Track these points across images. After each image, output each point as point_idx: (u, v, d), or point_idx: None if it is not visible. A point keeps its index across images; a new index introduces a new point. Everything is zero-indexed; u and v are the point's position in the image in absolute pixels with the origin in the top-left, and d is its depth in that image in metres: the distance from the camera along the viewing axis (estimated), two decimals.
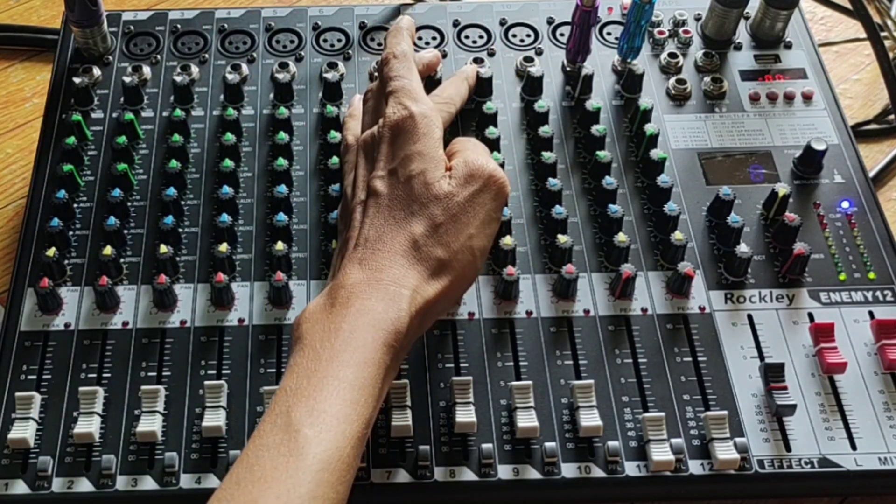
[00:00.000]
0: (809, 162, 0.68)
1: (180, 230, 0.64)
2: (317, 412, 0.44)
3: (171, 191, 0.64)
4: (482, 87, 0.71)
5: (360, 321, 0.48)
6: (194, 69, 0.73)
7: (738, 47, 0.76)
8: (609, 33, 0.77)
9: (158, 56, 0.75)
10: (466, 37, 0.77)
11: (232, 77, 0.71)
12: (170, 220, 0.63)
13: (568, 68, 0.74)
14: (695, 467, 0.55)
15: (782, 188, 0.64)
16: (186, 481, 0.54)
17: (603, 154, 0.66)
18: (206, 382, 0.56)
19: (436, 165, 0.53)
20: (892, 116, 0.81)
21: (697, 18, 0.78)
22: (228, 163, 0.66)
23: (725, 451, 0.54)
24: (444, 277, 0.52)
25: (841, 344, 0.59)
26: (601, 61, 0.75)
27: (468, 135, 0.70)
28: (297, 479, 0.42)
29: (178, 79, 0.71)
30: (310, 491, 0.42)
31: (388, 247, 0.51)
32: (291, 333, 0.50)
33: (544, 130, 0.67)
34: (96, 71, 0.73)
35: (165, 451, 0.55)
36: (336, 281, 0.50)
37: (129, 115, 0.69)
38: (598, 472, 0.55)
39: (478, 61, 0.74)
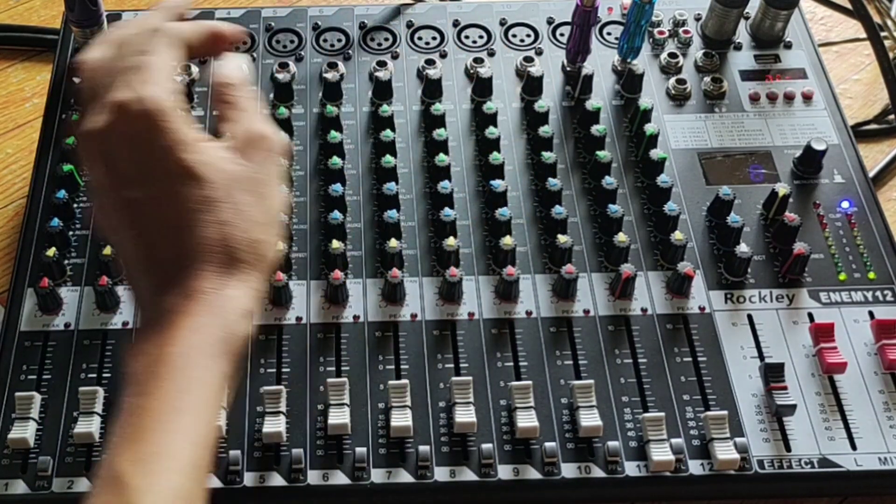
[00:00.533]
0: (809, 162, 0.68)
1: None
2: (142, 458, 0.39)
3: None
4: (482, 87, 0.71)
5: (191, 341, 0.42)
6: (194, 69, 0.73)
7: (738, 47, 0.76)
8: (609, 33, 0.77)
9: None
10: (466, 37, 0.77)
11: None
12: None
13: (568, 68, 0.74)
14: (695, 467, 0.55)
15: (782, 188, 0.64)
16: None
17: (603, 154, 0.66)
18: None
19: (197, 146, 0.44)
20: (892, 116, 0.81)
21: (697, 18, 0.78)
22: None
23: (725, 452, 0.54)
24: (266, 259, 0.45)
25: (841, 344, 0.59)
26: (601, 61, 0.75)
27: (468, 135, 0.70)
28: None
29: (177, 79, 0.71)
30: None
31: (194, 253, 0.43)
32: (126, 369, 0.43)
33: (544, 130, 0.67)
34: None
35: None
36: (152, 308, 0.44)
37: None
38: (598, 472, 0.55)
39: (478, 61, 0.74)
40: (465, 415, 0.55)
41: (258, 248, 0.44)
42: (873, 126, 0.81)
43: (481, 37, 0.77)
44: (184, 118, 0.44)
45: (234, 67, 0.50)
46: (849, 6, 0.79)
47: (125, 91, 0.44)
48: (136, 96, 0.43)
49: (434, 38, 0.77)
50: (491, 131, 0.67)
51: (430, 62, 0.73)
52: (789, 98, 0.72)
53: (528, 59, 0.74)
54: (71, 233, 0.64)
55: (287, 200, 0.49)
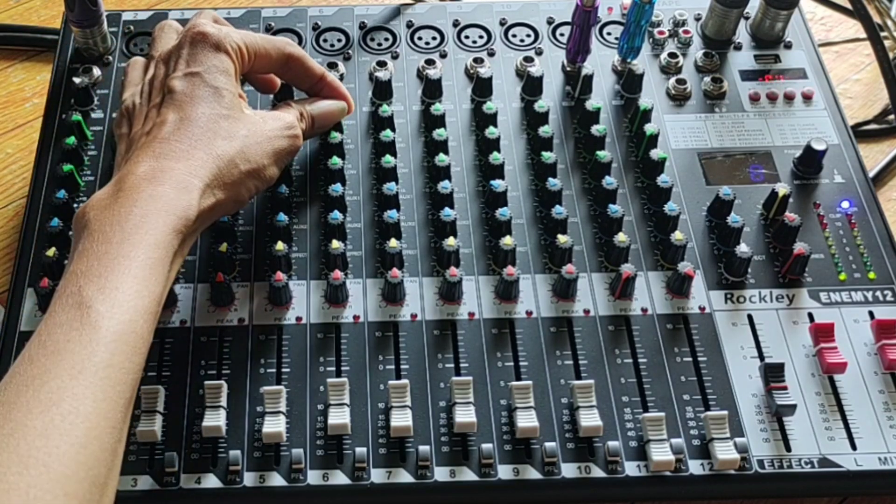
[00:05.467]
0: (809, 162, 0.68)
1: None
2: (108, 289, 0.46)
3: None
4: (482, 87, 0.71)
5: (150, 206, 0.50)
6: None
7: (738, 47, 0.76)
8: (609, 33, 0.77)
9: None
10: (466, 37, 0.77)
11: None
12: None
13: (568, 68, 0.74)
14: (695, 467, 0.55)
15: (782, 188, 0.64)
16: (186, 481, 0.54)
17: (603, 154, 0.66)
18: (206, 382, 0.56)
19: (235, 86, 0.58)
20: (892, 116, 0.81)
21: (697, 18, 0.78)
22: None
23: (725, 451, 0.54)
24: (236, 186, 0.55)
25: (841, 344, 0.59)
26: (601, 61, 0.75)
27: (469, 136, 0.70)
28: (91, 349, 0.44)
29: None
30: (104, 359, 0.44)
31: (186, 142, 0.53)
32: (74, 224, 0.51)
33: (544, 130, 0.67)
34: (96, 71, 0.73)
35: (165, 452, 0.55)
36: (124, 170, 0.52)
37: None
38: (598, 472, 0.55)
39: (478, 61, 0.74)
40: (465, 415, 0.55)
41: (231, 164, 0.55)
42: (873, 126, 0.81)
43: (481, 37, 0.77)
44: (236, 70, 0.58)
45: (332, 105, 0.66)
46: (849, 6, 0.79)
47: (210, 28, 0.58)
48: (218, 32, 0.58)
49: (434, 38, 0.77)
50: (491, 131, 0.67)
51: (430, 62, 0.73)
52: (789, 98, 0.72)
53: (528, 59, 0.74)
54: (71, 233, 0.64)
55: (270, 172, 0.59)
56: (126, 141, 0.58)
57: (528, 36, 0.77)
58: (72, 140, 0.67)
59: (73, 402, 0.42)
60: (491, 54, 0.75)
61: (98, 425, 0.43)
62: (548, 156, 0.66)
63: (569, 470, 0.55)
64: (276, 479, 0.54)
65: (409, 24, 0.77)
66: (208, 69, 0.57)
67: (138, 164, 0.52)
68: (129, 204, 0.49)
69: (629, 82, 0.72)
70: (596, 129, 0.68)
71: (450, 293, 0.61)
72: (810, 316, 0.61)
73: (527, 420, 0.55)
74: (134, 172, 0.51)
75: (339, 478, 0.55)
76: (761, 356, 0.59)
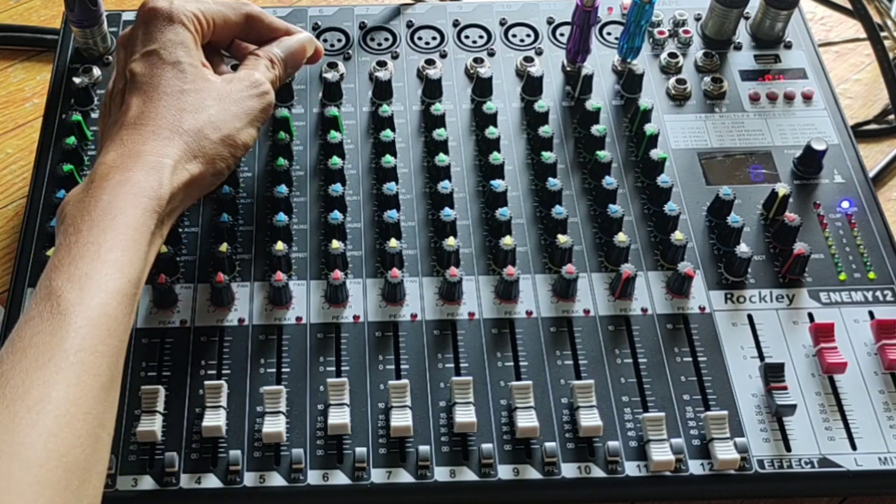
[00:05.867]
0: (809, 162, 0.68)
1: (180, 230, 0.64)
2: (76, 277, 0.46)
3: None
4: (482, 87, 0.71)
5: (119, 190, 0.50)
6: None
7: (738, 47, 0.76)
8: (609, 33, 0.77)
9: None
10: (466, 37, 0.77)
11: None
12: None
13: (568, 68, 0.74)
14: (695, 467, 0.55)
15: (782, 188, 0.64)
16: (186, 481, 0.54)
17: (603, 154, 0.66)
18: (206, 382, 0.56)
19: (196, 56, 0.57)
20: (892, 116, 0.81)
21: (697, 18, 0.78)
22: None
23: (725, 451, 0.54)
24: (210, 157, 0.55)
25: (841, 344, 0.59)
26: (601, 61, 0.75)
27: (469, 136, 0.70)
28: (61, 336, 0.44)
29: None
30: (75, 344, 0.44)
31: (152, 123, 0.53)
32: (56, 223, 0.51)
33: (544, 130, 0.67)
34: (96, 71, 0.73)
35: (165, 452, 0.55)
36: (97, 161, 0.52)
37: None
38: (598, 472, 0.55)
39: (478, 61, 0.74)
40: (465, 415, 0.55)
41: (201, 136, 0.54)
42: (873, 126, 0.81)
43: (481, 37, 0.77)
44: (194, 40, 0.57)
45: (296, 40, 0.64)
46: (849, 6, 0.79)
47: (161, 2, 0.57)
48: (168, 5, 0.57)
49: (434, 38, 0.77)
50: (491, 131, 0.67)
51: (430, 62, 0.73)
52: (789, 98, 0.72)
53: (528, 59, 0.74)
54: None
55: (245, 132, 0.58)
56: (100, 132, 0.58)
57: (528, 36, 0.77)
58: (72, 140, 0.67)
59: (41, 390, 0.42)
60: (491, 54, 0.75)
61: (68, 412, 0.42)
62: (548, 156, 0.66)
63: (569, 470, 0.55)
64: (276, 479, 0.54)
65: (409, 24, 0.77)
66: (164, 45, 0.56)
67: (107, 153, 0.52)
68: (99, 193, 0.50)
69: (629, 82, 0.72)
70: (596, 129, 0.68)
71: (450, 293, 0.61)
72: (810, 316, 0.61)
73: (527, 420, 0.55)
74: (104, 162, 0.52)
75: (339, 478, 0.55)
76: (761, 356, 0.59)
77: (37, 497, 0.40)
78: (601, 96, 0.72)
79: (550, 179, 0.65)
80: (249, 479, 0.55)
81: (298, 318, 0.61)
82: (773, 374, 0.57)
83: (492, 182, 0.64)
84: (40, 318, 0.45)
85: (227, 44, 0.64)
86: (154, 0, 0.58)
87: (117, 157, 0.52)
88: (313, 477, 0.55)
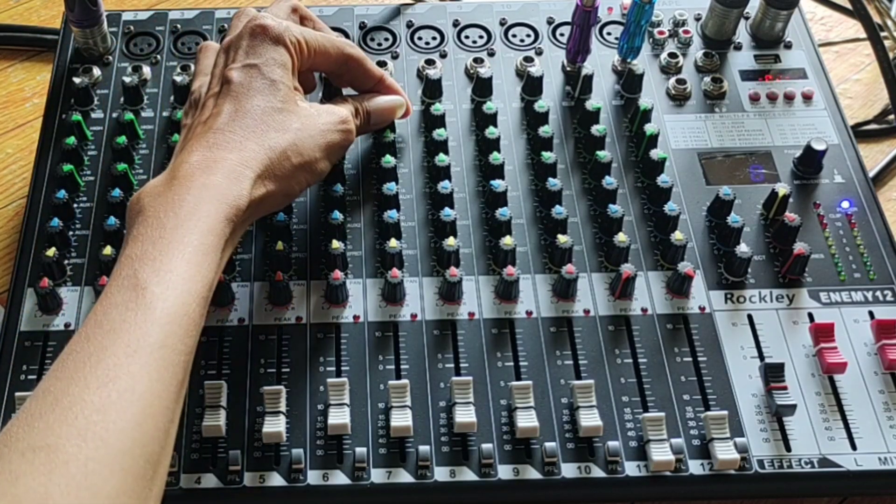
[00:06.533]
0: (809, 162, 0.68)
1: None
2: (163, 272, 0.47)
3: None
4: (482, 87, 0.71)
5: (203, 194, 0.51)
6: (194, 69, 0.73)
7: (738, 47, 0.76)
8: (609, 33, 0.77)
9: (158, 56, 0.75)
10: (466, 37, 0.77)
11: None
12: None
13: (568, 68, 0.74)
14: (695, 467, 0.55)
15: (782, 188, 0.64)
16: (186, 481, 0.54)
17: (603, 154, 0.66)
18: (207, 382, 0.56)
19: (291, 79, 0.58)
20: (892, 116, 0.81)
21: (697, 18, 0.78)
22: None
23: (725, 451, 0.54)
24: (286, 179, 0.55)
25: (841, 344, 0.59)
26: (601, 61, 0.75)
27: (469, 136, 0.70)
28: (146, 329, 0.45)
29: (177, 79, 0.71)
30: (158, 340, 0.45)
31: (240, 132, 0.54)
32: (128, 210, 0.52)
33: (544, 130, 0.67)
34: (96, 71, 0.73)
35: None
36: (179, 158, 0.53)
37: (129, 115, 0.69)
38: (598, 472, 0.55)
39: (478, 61, 0.74)
40: (465, 415, 0.55)
41: (283, 156, 0.55)
42: (873, 126, 0.81)
43: (481, 37, 0.77)
44: (294, 65, 0.58)
45: (389, 101, 0.65)
46: (849, 6, 0.79)
47: (271, 21, 0.58)
48: (278, 26, 0.58)
49: (434, 38, 0.77)
50: (491, 131, 0.67)
51: (430, 62, 0.73)
52: (789, 98, 0.72)
53: (528, 59, 0.74)
54: (71, 233, 0.64)
55: (321, 165, 0.59)
56: (185, 130, 0.58)
57: (528, 36, 0.77)
58: (72, 140, 0.67)
59: (128, 381, 0.43)
60: (491, 54, 0.75)
61: (152, 404, 0.44)
62: (548, 156, 0.66)
63: (569, 470, 0.55)
64: (276, 479, 0.54)
65: (409, 24, 0.77)
66: (266, 62, 0.57)
67: (192, 153, 0.53)
68: (183, 191, 0.50)
69: (629, 82, 0.72)
70: (596, 129, 0.68)
71: (450, 293, 0.61)
72: (810, 316, 0.61)
73: (527, 420, 0.55)
74: (187, 161, 0.52)
75: (339, 478, 0.55)
76: (761, 356, 0.59)
77: (121, 484, 0.41)
78: (601, 96, 0.72)
79: (550, 179, 0.65)
80: (249, 479, 0.55)
81: (298, 318, 0.61)
82: (773, 374, 0.57)
83: (492, 182, 0.64)
84: (125, 307, 0.45)
85: (321, 73, 0.67)
86: (265, 18, 0.58)
87: (202, 160, 0.52)
88: (313, 477, 0.55)
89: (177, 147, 0.58)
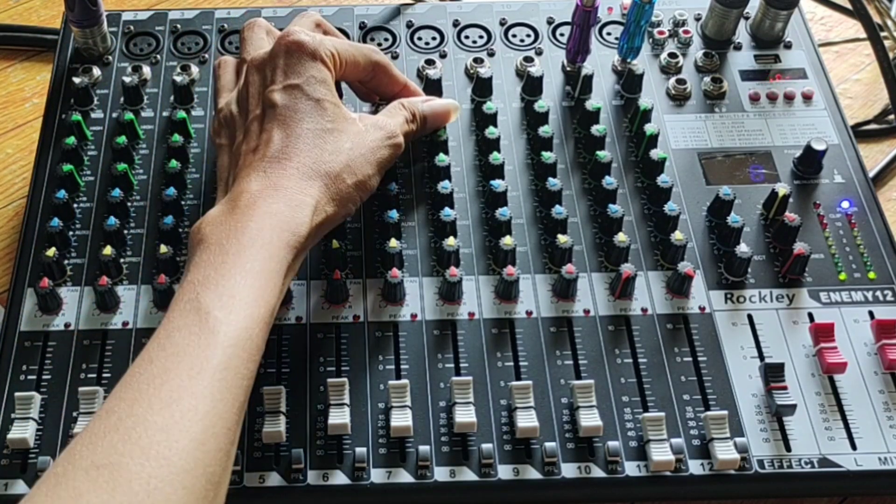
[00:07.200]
0: (809, 162, 0.68)
1: (180, 230, 0.64)
2: (226, 297, 0.47)
3: (171, 191, 0.64)
4: (482, 87, 0.71)
5: (265, 221, 0.51)
6: (194, 69, 0.73)
7: (738, 47, 0.76)
8: (609, 33, 0.77)
9: (158, 56, 0.75)
10: (466, 37, 0.77)
11: None
12: (170, 220, 0.63)
13: (568, 68, 0.74)
14: (695, 467, 0.55)
15: (782, 188, 0.64)
16: None
17: (603, 154, 0.66)
18: None
19: (335, 95, 0.58)
20: (892, 116, 0.81)
21: (697, 18, 0.78)
22: None
23: (725, 451, 0.54)
24: (343, 200, 0.56)
25: (841, 344, 0.59)
26: (601, 61, 0.75)
27: (469, 136, 0.70)
28: (209, 353, 0.45)
29: (177, 79, 0.71)
30: (221, 363, 0.45)
31: (295, 159, 0.54)
32: (189, 240, 0.52)
33: (544, 130, 0.67)
34: (96, 71, 0.73)
35: None
36: (237, 188, 0.53)
37: (129, 115, 0.69)
38: (598, 472, 0.55)
39: (478, 61, 0.74)
40: (465, 415, 0.55)
41: (339, 179, 0.55)
42: (873, 126, 0.81)
43: (481, 37, 0.77)
44: (332, 79, 0.58)
45: (445, 104, 0.66)
46: (849, 6, 0.79)
47: (305, 37, 0.58)
48: (312, 41, 0.58)
49: (434, 38, 0.77)
50: (491, 131, 0.67)
51: (430, 62, 0.73)
52: (789, 98, 0.72)
53: (528, 59, 0.74)
54: (71, 233, 0.64)
55: (372, 175, 0.58)
56: (228, 153, 0.58)
57: (528, 36, 0.77)
58: (72, 140, 0.67)
59: (191, 401, 0.43)
60: (491, 54, 0.75)
61: (214, 424, 0.44)
62: (548, 156, 0.66)
63: (569, 470, 0.55)
64: (276, 479, 0.54)
65: (409, 24, 0.77)
66: (307, 80, 0.57)
67: (250, 181, 0.53)
68: (245, 219, 0.51)
69: (629, 82, 0.72)
70: (596, 129, 0.68)
71: (450, 293, 0.61)
72: (810, 316, 0.61)
73: (527, 420, 0.55)
74: (248, 191, 0.53)
75: (339, 478, 0.55)
76: (761, 356, 0.59)
77: (182, 502, 0.41)
78: (601, 96, 0.72)
79: (550, 179, 0.65)
80: (249, 479, 0.55)
81: (298, 318, 0.61)
82: (773, 374, 0.57)
83: (492, 182, 0.64)
84: (189, 330, 0.46)
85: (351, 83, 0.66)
86: (297, 34, 0.58)
87: (262, 189, 0.53)
88: (313, 477, 0.55)
89: (219, 169, 0.58)
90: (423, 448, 0.55)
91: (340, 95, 0.66)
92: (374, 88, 0.66)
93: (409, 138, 0.63)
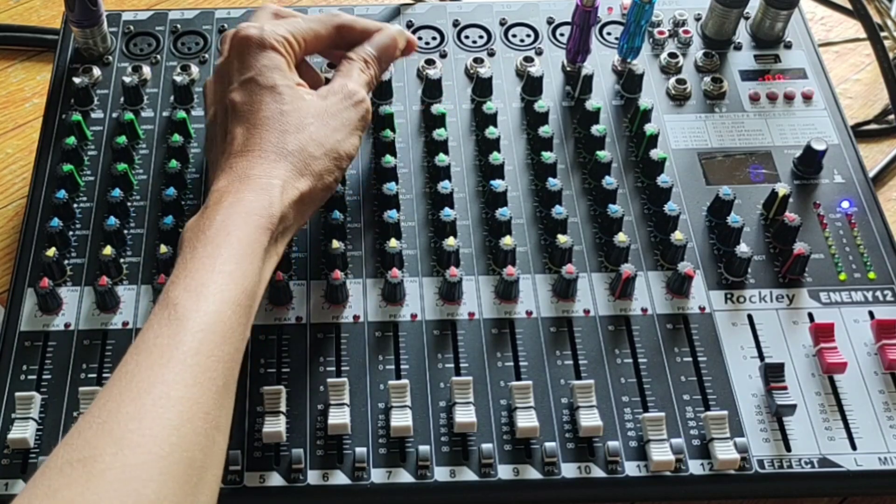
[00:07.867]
0: (809, 162, 0.68)
1: (180, 230, 0.64)
2: (192, 287, 0.48)
3: (171, 191, 0.64)
4: (482, 87, 0.71)
5: (231, 210, 0.52)
6: (194, 69, 0.73)
7: (738, 47, 0.76)
8: (609, 33, 0.77)
9: (158, 56, 0.75)
10: (466, 37, 0.77)
11: None
12: (170, 220, 0.63)
13: (568, 68, 0.74)
14: (695, 467, 0.55)
15: (782, 188, 0.64)
16: None
17: (603, 154, 0.66)
18: None
19: (290, 78, 0.58)
20: (892, 116, 0.81)
21: (697, 18, 0.78)
22: None
23: (725, 451, 0.54)
24: (317, 173, 0.56)
25: (841, 344, 0.59)
26: (601, 61, 0.75)
27: (469, 136, 0.70)
28: (178, 339, 0.46)
29: (177, 79, 0.71)
30: (192, 348, 0.45)
31: (258, 148, 0.55)
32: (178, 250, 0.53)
33: (544, 130, 0.67)
34: (96, 71, 0.73)
35: None
36: (210, 191, 0.54)
37: (129, 115, 0.69)
38: (598, 472, 0.55)
39: (478, 61, 0.74)
40: (465, 415, 0.55)
41: (305, 153, 0.55)
42: (873, 126, 0.81)
43: (481, 37, 0.77)
44: (287, 63, 0.58)
45: (384, 35, 0.63)
46: (849, 6, 0.79)
47: (251, 30, 0.58)
48: (258, 32, 0.58)
49: (434, 38, 0.77)
50: (491, 131, 0.67)
51: (430, 62, 0.73)
52: (789, 98, 0.72)
53: (528, 59, 0.74)
54: (71, 233, 0.64)
55: (352, 140, 0.59)
56: (211, 165, 0.59)
57: (528, 36, 0.77)
58: (72, 140, 0.67)
59: (163, 388, 0.44)
60: (491, 54, 0.75)
61: (190, 409, 0.44)
62: (548, 156, 0.66)
63: (569, 470, 0.55)
64: (276, 479, 0.54)
65: (409, 24, 0.77)
66: (259, 71, 0.57)
67: (218, 181, 0.54)
68: (213, 214, 0.52)
69: (629, 82, 0.72)
70: (596, 129, 0.68)
71: (450, 293, 0.61)
72: (810, 316, 0.61)
73: (527, 420, 0.55)
74: (216, 189, 0.53)
75: (339, 478, 0.55)
76: (761, 356, 0.59)
77: (160, 487, 0.41)
78: (601, 96, 0.72)
79: (550, 179, 0.65)
80: (249, 479, 0.55)
81: (298, 318, 0.61)
82: (773, 374, 0.57)
83: (492, 182, 0.64)
84: (159, 325, 0.46)
85: (336, 55, 0.65)
86: (245, 28, 0.59)
87: (228, 183, 0.53)
88: (313, 477, 0.55)
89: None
90: (424, 448, 0.55)
91: (319, 84, 0.63)
92: (350, 48, 0.63)
93: (372, 85, 0.62)
